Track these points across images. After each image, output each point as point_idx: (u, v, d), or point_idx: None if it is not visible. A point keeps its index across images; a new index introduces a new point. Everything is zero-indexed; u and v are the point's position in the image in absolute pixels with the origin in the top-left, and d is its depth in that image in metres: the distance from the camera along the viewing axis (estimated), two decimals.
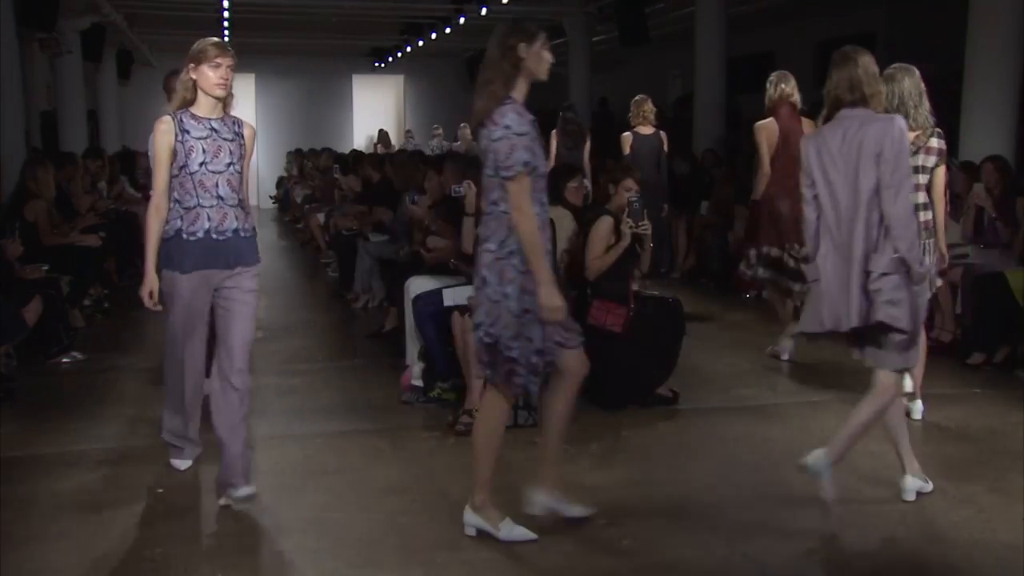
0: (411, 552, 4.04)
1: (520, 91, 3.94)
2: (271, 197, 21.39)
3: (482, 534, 4.09)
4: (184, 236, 4.33)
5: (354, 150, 16.74)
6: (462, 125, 18.15)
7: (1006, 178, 7.36)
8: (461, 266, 6.46)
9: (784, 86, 7.04)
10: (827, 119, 4.36)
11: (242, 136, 4.43)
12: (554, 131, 11.05)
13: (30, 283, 7.24)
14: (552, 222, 5.95)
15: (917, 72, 5.11)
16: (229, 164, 4.36)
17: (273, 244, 15.45)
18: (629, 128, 9.61)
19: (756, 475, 4.91)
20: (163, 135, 4.30)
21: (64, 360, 7.27)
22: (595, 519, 4.30)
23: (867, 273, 4.14)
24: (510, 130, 3.83)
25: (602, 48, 18.50)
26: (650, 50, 16.96)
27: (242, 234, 4.43)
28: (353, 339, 8.38)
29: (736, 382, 6.68)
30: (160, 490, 4.72)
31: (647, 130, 9.41)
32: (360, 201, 11.10)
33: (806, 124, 6.95)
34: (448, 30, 18.48)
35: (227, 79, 4.31)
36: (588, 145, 10.51)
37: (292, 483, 4.81)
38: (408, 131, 22.58)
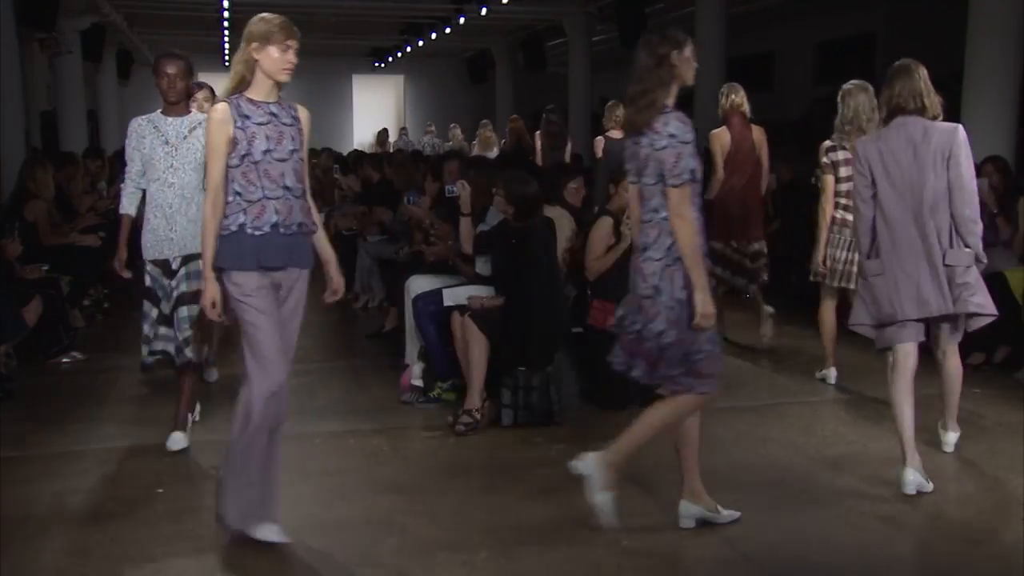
0: (411, 552, 4.05)
1: (673, 98, 3.98)
2: None
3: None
4: (249, 231, 3.92)
5: (355, 150, 16.77)
6: (452, 125, 18.41)
7: (1006, 178, 7.37)
8: (460, 266, 6.46)
9: (735, 97, 7.42)
10: (885, 124, 4.68)
11: (299, 120, 4.08)
12: (538, 132, 11.52)
13: (30, 283, 7.25)
14: (552, 222, 6.02)
15: (871, 88, 5.54)
16: (293, 151, 4.00)
17: None
18: (602, 132, 9.70)
19: (755, 475, 4.91)
20: (220, 124, 3.91)
21: (64, 360, 7.28)
22: (595, 519, 4.30)
23: (946, 267, 4.46)
24: (675, 139, 3.87)
25: (602, 48, 18.49)
26: None
27: (305, 230, 4.07)
28: (353, 339, 8.38)
29: (736, 382, 6.66)
30: (160, 490, 4.71)
31: (619, 134, 9.44)
32: (360, 201, 11.09)
33: (756, 132, 7.47)
34: (448, 30, 18.52)
35: (295, 63, 3.98)
36: (569, 147, 11.12)
37: (292, 483, 4.80)
38: (403, 128, 22.77)
